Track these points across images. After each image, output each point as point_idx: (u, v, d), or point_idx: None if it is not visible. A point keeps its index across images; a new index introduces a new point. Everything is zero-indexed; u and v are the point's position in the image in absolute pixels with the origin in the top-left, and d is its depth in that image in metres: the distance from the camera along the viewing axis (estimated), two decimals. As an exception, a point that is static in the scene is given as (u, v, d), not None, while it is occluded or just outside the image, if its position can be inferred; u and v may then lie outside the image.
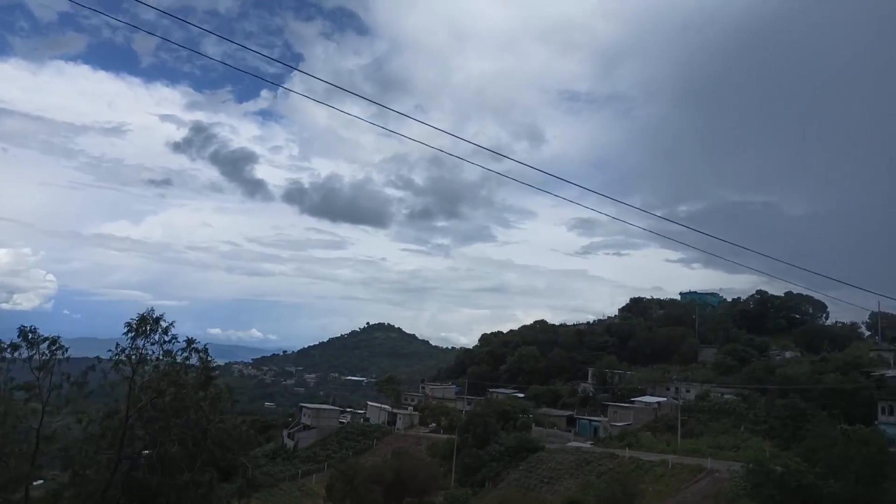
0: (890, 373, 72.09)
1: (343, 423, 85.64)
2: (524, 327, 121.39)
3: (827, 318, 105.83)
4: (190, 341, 16.59)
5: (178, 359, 16.18)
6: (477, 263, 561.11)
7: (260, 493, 67.87)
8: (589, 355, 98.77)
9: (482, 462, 64.60)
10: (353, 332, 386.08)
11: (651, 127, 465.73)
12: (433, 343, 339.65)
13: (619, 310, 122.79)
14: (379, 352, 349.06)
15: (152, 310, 16.17)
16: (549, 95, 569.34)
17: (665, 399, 76.85)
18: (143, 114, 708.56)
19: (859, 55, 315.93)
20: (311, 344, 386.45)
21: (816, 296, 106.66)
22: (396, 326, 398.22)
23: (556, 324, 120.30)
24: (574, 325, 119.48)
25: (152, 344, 15.59)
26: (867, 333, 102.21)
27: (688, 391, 79.52)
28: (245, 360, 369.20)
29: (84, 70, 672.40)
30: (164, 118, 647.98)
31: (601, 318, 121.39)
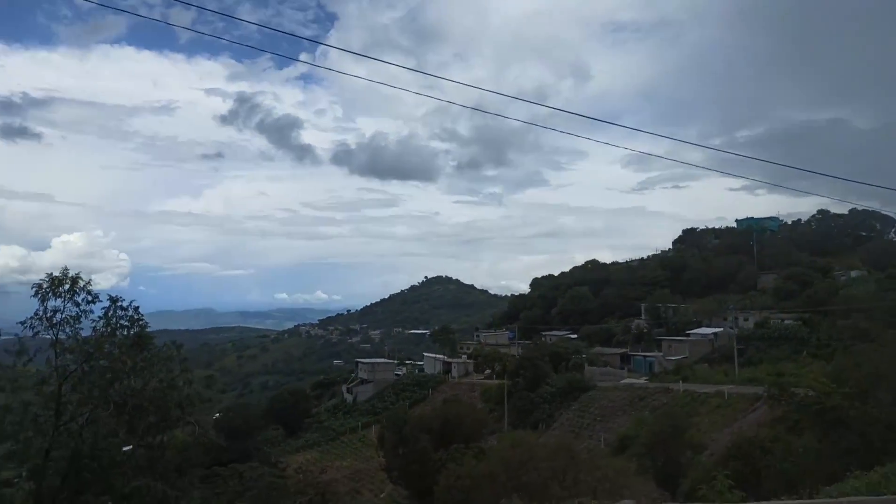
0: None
1: (399, 375, 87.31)
2: (575, 268, 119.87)
3: (895, 235, 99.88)
4: (114, 300, 16.36)
5: (110, 321, 15.96)
6: (531, 209, 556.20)
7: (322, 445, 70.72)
8: (642, 291, 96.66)
9: (534, 405, 64.80)
10: (413, 287, 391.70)
11: (703, 52, 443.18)
12: (492, 292, 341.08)
13: (673, 242, 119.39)
14: (439, 304, 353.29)
15: (66, 268, 15.26)
16: (591, 29, 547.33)
17: (721, 329, 74.72)
18: (189, 89, 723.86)
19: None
20: (374, 301, 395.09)
21: (884, 211, 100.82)
22: (455, 278, 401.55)
23: (608, 263, 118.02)
24: (626, 262, 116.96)
25: (76, 305, 15.27)
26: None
27: (746, 319, 77.04)
28: (312, 321, 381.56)
29: (129, 51, 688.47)
30: (209, 92, 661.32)
31: (655, 252, 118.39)
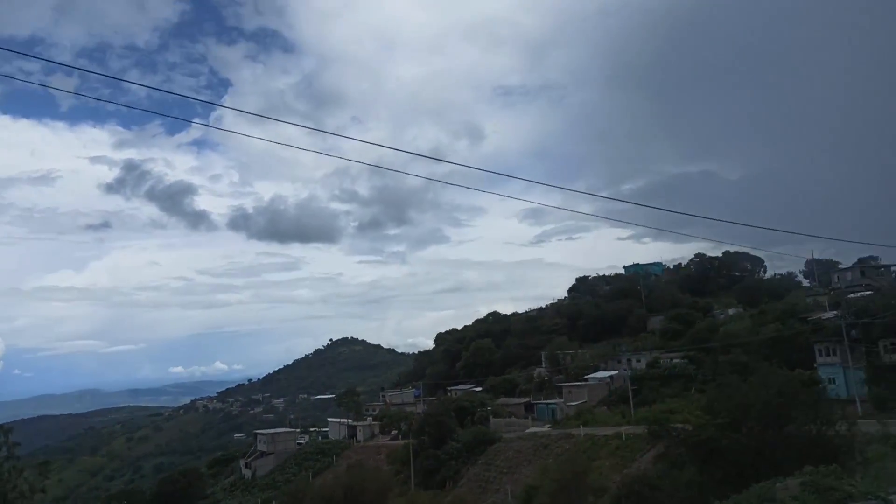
0: (826, 316, 74.04)
1: (301, 444, 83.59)
2: (477, 321, 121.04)
3: (765, 273, 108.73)
4: None
5: None
6: (435, 266, 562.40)
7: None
8: (542, 340, 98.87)
9: (441, 462, 63.71)
10: (318, 351, 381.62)
11: (585, 113, 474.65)
12: (400, 350, 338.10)
13: (568, 290, 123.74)
14: (345, 366, 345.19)
15: None
16: (483, 92, 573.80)
17: (616, 372, 77.36)
18: (72, 158, 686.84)
19: (779, 24, 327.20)
20: (277, 368, 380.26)
21: (753, 252, 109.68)
22: (360, 339, 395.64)
23: (509, 314, 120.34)
24: (526, 312, 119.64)
25: None
26: (805, 282, 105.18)
27: (638, 361, 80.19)
28: (210, 395, 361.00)
29: (4, 120, 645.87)
30: (94, 160, 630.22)
31: (552, 301, 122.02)
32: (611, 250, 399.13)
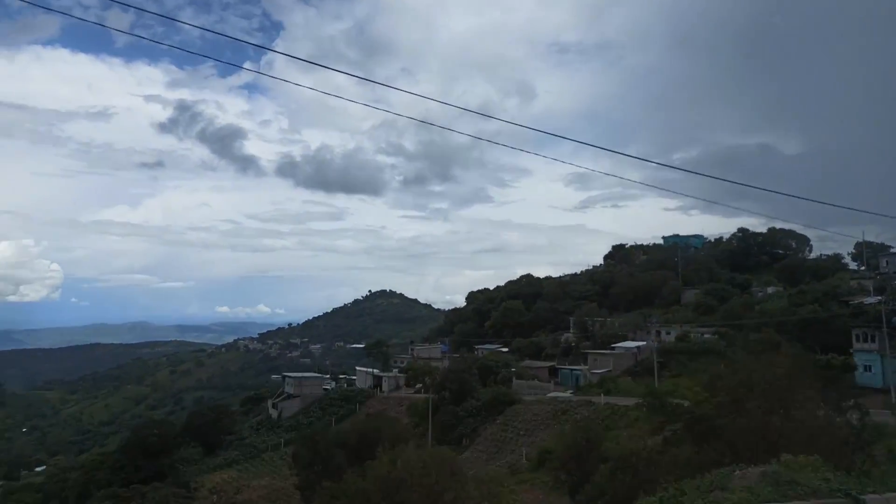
0: (869, 300, 71.29)
1: (327, 389, 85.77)
2: (510, 282, 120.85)
3: (810, 252, 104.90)
4: None
5: None
6: (476, 225, 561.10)
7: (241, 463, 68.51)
8: (572, 306, 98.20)
9: (459, 419, 64.57)
10: (356, 301, 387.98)
11: (642, 75, 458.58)
12: (436, 307, 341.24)
13: (604, 258, 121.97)
14: (382, 318, 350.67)
15: None
16: (537, 49, 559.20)
17: (644, 343, 76.37)
18: (127, 95, 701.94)
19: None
20: (316, 315, 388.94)
21: (799, 230, 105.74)
22: (399, 292, 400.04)
23: (542, 277, 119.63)
24: (559, 277, 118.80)
25: None
26: (853, 265, 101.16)
27: (668, 333, 78.97)
28: (252, 335, 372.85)
29: (63, 54, 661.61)
30: (149, 98, 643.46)
31: (587, 268, 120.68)
32: (656, 221, 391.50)
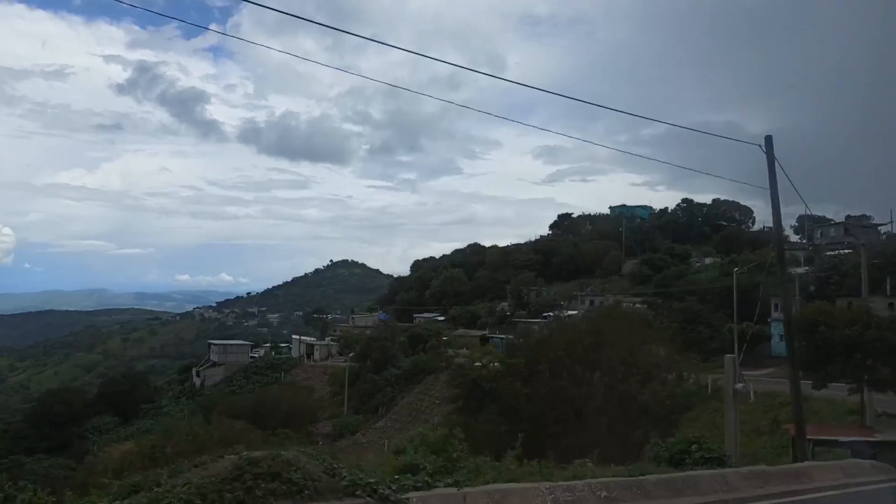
0: (799, 270, 71.02)
1: (254, 357, 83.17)
2: (455, 251, 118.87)
3: (753, 224, 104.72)
4: None
5: None
6: (445, 197, 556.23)
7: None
8: (513, 275, 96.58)
9: (378, 387, 62.74)
10: (317, 270, 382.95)
11: (613, 51, 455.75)
12: (398, 277, 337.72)
13: (549, 227, 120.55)
14: (342, 288, 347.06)
15: None
16: (509, 21, 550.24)
17: (576, 312, 75.07)
18: (86, 54, 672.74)
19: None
20: (276, 284, 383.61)
21: (743, 202, 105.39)
22: (360, 262, 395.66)
23: (487, 245, 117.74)
24: (504, 246, 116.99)
25: None
26: (795, 237, 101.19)
27: (602, 303, 77.82)
28: (209, 304, 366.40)
29: (19, 9, 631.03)
30: (109, 59, 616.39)
31: (534, 238, 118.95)
32: (625, 195, 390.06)
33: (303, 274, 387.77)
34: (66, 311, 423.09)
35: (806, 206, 40.99)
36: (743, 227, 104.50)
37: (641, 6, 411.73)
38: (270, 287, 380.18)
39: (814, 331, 22.81)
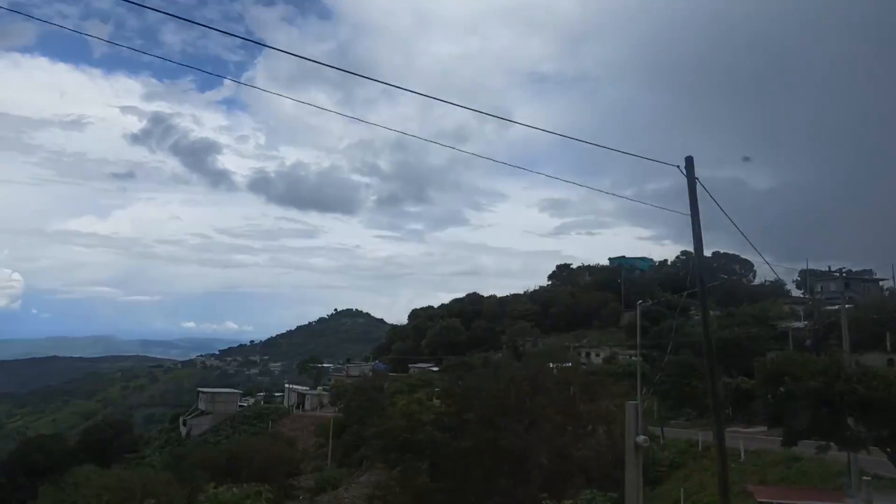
0: (797, 324, 69.54)
1: (242, 406, 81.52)
2: (454, 300, 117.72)
3: (753, 278, 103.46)
4: None
5: None
6: (451, 248, 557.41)
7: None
8: (510, 325, 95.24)
9: (363, 440, 60.80)
10: (321, 319, 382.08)
11: (618, 108, 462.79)
12: (394, 326, 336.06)
13: (548, 277, 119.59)
14: (346, 337, 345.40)
15: None
16: (515, 77, 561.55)
17: (570, 364, 73.45)
18: (104, 106, 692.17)
19: (819, 31, 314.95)
20: (279, 333, 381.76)
21: (743, 255, 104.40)
22: (364, 311, 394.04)
23: (485, 295, 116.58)
24: (503, 296, 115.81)
25: None
26: (797, 292, 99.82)
27: (597, 355, 76.33)
28: (212, 352, 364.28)
29: (41, 61, 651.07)
30: (125, 109, 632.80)
31: (534, 289, 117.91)
32: (630, 250, 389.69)
33: (307, 323, 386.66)
34: (71, 357, 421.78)
35: (756, 250, 39.81)
36: (744, 280, 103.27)
37: (646, 65, 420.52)
38: (274, 335, 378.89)
39: (778, 381, 21.65)
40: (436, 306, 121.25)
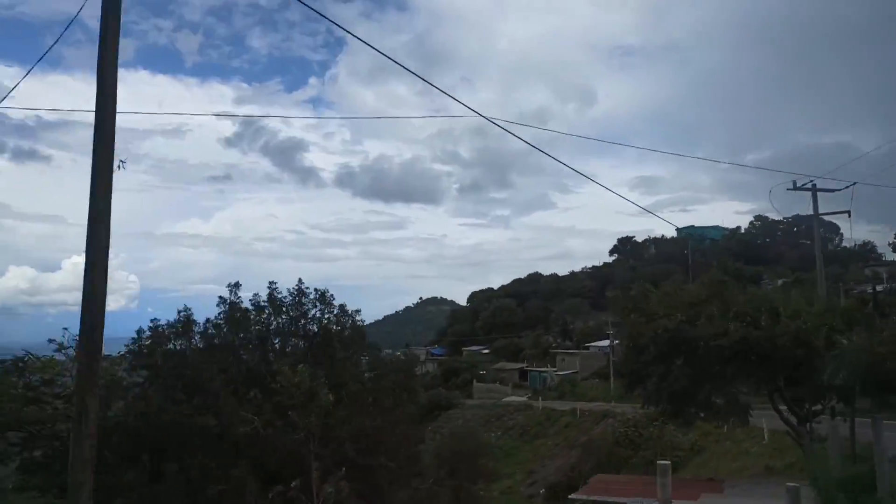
0: (879, 288, 61.20)
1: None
2: (514, 280, 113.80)
3: (840, 241, 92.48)
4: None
5: None
6: (539, 232, 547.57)
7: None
8: (566, 304, 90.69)
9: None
10: (407, 308, 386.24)
11: (709, 76, 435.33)
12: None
13: (609, 252, 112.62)
14: (431, 325, 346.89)
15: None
16: (599, 53, 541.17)
17: (618, 342, 68.47)
18: (199, 112, 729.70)
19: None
20: (367, 323, 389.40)
21: (828, 217, 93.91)
22: (449, 299, 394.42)
23: (546, 274, 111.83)
24: (563, 275, 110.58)
25: None
26: (891, 255, 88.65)
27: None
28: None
29: (143, 74, 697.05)
30: (219, 115, 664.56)
31: (596, 265, 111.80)
32: (727, 224, 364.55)
33: (393, 312, 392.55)
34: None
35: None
36: (829, 245, 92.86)
37: (737, 28, 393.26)
38: (365, 324, 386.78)
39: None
40: (494, 287, 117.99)
